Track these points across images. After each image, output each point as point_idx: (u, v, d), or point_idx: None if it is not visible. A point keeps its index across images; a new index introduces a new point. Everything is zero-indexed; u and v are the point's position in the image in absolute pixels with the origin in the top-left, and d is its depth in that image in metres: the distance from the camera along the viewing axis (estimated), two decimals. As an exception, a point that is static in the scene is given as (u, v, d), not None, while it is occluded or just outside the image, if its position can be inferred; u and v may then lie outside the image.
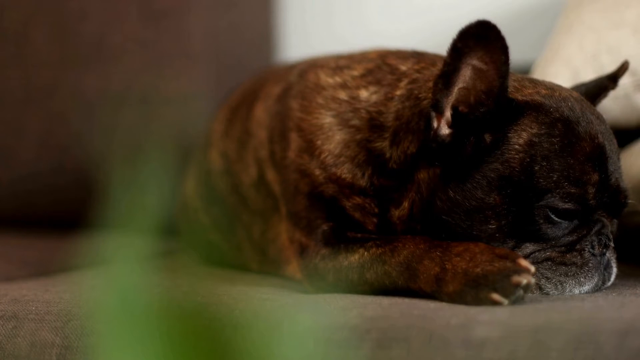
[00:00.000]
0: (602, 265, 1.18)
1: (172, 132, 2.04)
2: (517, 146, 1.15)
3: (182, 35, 2.11)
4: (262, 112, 1.45)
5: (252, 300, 1.20)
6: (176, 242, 1.67)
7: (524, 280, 1.06)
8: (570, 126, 1.16)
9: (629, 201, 1.23)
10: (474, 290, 1.07)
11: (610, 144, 1.20)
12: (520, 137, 1.16)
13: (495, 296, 1.06)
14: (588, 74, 1.62)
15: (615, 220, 1.24)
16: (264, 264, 1.45)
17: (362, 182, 1.28)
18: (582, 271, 1.16)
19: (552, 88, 1.22)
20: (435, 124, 1.18)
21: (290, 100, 1.38)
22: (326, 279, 1.24)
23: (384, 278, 1.18)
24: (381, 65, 1.34)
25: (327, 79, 1.35)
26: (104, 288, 0.56)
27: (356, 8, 2.33)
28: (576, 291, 1.16)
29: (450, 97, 1.17)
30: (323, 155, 1.30)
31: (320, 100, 1.34)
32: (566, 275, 1.16)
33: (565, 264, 1.16)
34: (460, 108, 1.17)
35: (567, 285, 1.16)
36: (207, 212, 1.59)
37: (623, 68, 1.38)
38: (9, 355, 1.15)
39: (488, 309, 1.03)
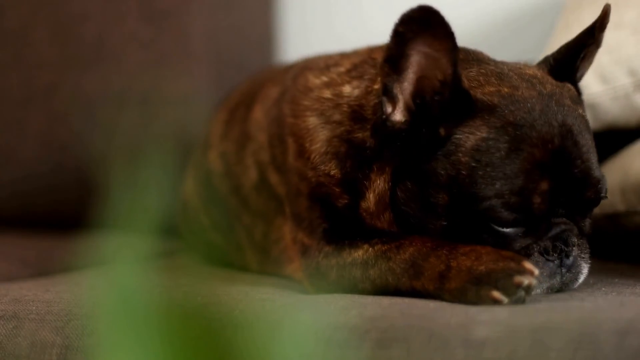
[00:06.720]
0: (561, 268, 1.16)
1: (172, 132, 2.04)
2: (464, 148, 1.14)
3: (182, 35, 2.11)
4: (260, 115, 1.45)
5: (252, 301, 1.21)
6: (176, 242, 1.68)
7: (525, 281, 1.06)
8: (522, 131, 1.13)
9: (602, 195, 1.18)
10: (475, 287, 1.07)
11: (575, 143, 1.16)
12: (469, 139, 1.14)
13: (496, 294, 1.06)
14: (588, 74, 1.62)
15: (587, 219, 1.21)
16: (264, 264, 1.45)
17: (348, 175, 1.27)
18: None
19: (517, 87, 1.18)
20: (388, 109, 1.18)
21: (284, 105, 1.39)
22: (328, 277, 1.24)
23: (387, 275, 1.18)
24: (367, 60, 1.34)
25: (314, 80, 1.36)
26: (105, 288, 0.56)
27: (356, 8, 2.33)
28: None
29: (404, 84, 1.16)
30: (312, 156, 1.30)
31: (306, 103, 1.34)
32: None
33: None
34: (418, 100, 1.17)
35: None
36: (206, 213, 1.59)
37: (602, 16, 1.27)
38: (10, 355, 1.15)
39: (488, 308, 1.04)
